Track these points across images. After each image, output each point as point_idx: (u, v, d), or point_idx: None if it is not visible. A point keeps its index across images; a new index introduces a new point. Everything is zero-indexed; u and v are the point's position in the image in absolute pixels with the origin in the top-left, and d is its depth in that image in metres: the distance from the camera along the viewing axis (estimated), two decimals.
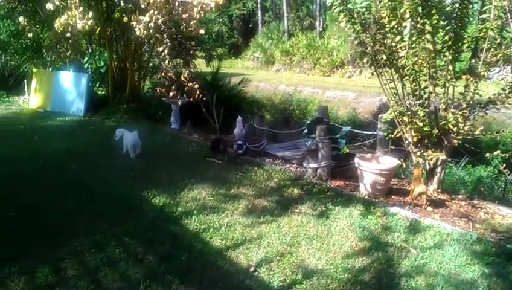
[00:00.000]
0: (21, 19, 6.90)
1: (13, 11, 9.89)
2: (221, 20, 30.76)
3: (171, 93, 8.96)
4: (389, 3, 5.11)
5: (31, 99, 12.82)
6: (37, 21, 10.36)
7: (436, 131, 5.25)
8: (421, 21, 4.97)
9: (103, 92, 12.79)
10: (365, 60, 6.06)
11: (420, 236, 4.28)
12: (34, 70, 12.80)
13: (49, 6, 6.56)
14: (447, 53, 5.16)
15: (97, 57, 12.84)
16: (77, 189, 5.53)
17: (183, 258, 3.76)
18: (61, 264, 3.67)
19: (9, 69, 13.41)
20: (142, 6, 6.76)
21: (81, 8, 6.53)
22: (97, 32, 11.10)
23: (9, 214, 4.70)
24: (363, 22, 5.60)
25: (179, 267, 3.62)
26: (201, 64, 15.02)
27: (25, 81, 13.29)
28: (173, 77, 8.80)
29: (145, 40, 9.70)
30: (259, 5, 34.18)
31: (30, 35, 6.87)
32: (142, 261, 3.73)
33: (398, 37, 5.20)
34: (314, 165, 6.19)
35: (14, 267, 3.57)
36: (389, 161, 5.68)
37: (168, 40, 7.54)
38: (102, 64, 12.80)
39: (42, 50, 11.73)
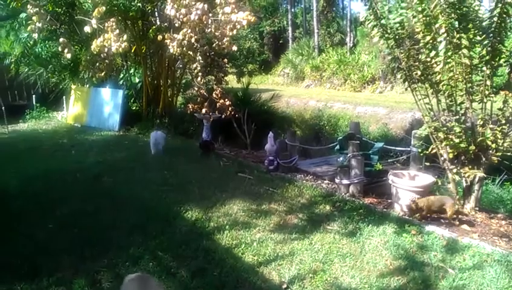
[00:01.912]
0: (61, 40, 7.20)
1: (54, 32, 10.35)
2: (252, 36, 31.14)
3: (203, 110, 9.10)
4: (424, 18, 5.06)
5: (69, 115, 13.30)
6: (76, 42, 10.81)
7: (473, 147, 5.11)
8: (457, 36, 4.89)
9: (137, 108, 13.13)
10: (399, 76, 6.00)
11: (458, 256, 4.13)
12: (73, 86, 13.31)
13: (87, 29, 6.83)
14: (484, 68, 5.06)
15: (132, 73, 13.23)
16: (112, 202, 5.65)
17: (215, 274, 3.77)
18: (96, 276, 3.76)
19: (49, 86, 14.03)
20: (176, 24, 6.94)
21: (117, 31, 6.76)
22: (133, 50, 11.46)
23: (48, 226, 4.86)
24: (397, 37, 5.58)
25: (211, 282, 3.63)
26: (232, 80, 15.21)
27: (64, 97, 13.84)
28: (205, 93, 8.95)
29: (179, 57, 9.93)
30: (289, 22, 34.52)
31: (69, 56, 7.14)
32: (175, 276, 3.76)
33: (433, 52, 5.13)
34: (347, 182, 6.12)
35: (52, 279, 3.68)
36: (424, 178, 5.54)
37: (200, 58, 7.69)
38: (137, 80, 13.18)
39: (80, 68, 12.20)
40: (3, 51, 13.36)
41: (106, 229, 4.74)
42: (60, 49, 7.63)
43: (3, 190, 6.06)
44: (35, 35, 7.28)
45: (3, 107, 11.86)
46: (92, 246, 4.29)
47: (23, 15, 8.90)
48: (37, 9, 6.65)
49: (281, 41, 36.13)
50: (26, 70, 13.04)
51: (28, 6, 6.75)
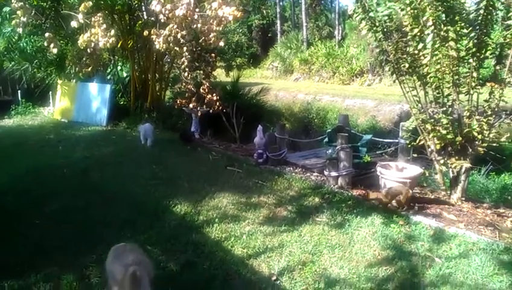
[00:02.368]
0: (47, 34, 7.08)
1: (40, 27, 10.18)
2: (240, 30, 31.01)
3: (191, 105, 9.06)
4: (412, 11, 5.09)
5: (56, 110, 13.13)
6: (62, 37, 10.65)
7: (460, 138, 5.18)
8: (444, 28, 4.93)
9: (125, 102, 13.02)
10: (387, 68, 6.05)
11: (445, 245, 4.19)
12: (59, 82, 13.13)
13: (74, 24, 6.73)
14: (470, 60, 5.11)
15: (120, 68, 13.09)
16: (101, 197, 5.61)
17: (205, 267, 3.78)
18: (85, 271, 3.73)
19: (35, 81, 13.81)
20: (162, 20, 6.86)
21: (104, 26, 6.67)
22: (119, 45, 11.34)
23: (36, 222, 4.81)
24: (385, 30, 5.61)
25: (201, 275, 3.64)
26: (221, 74, 15.18)
27: (50, 92, 13.65)
28: (193, 89, 8.90)
29: (166, 52, 9.86)
30: (278, 15, 34.41)
31: (55, 50, 7.03)
32: (164, 270, 3.75)
33: (421, 45, 5.18)
34: (335, 174, 6.16)
35: (39, 275, 3.65)
36: (412, 169, 5.60)
37: (187, 53, 7.62)
38: (125, 75, 13.05)
39: (66, 63, 12.03)
40: None
41: (95, 224, 4.71)
42: (45, 44, 7.51)
43: None
44: (20, 30, 7.13)
45: None
46: (80, 241, 4.26)
47: (6, 9, 8.73)
48: (22, 3, 6.53)
49: (269, 35, 36.04)
50: (10, 65, 12.80)
51: (12, 0, 6.62)
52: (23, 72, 13.30)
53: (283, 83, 24.80)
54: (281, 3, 36.56)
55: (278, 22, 34.35)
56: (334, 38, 29.18)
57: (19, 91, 14.32)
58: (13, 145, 9.06)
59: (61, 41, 10.40)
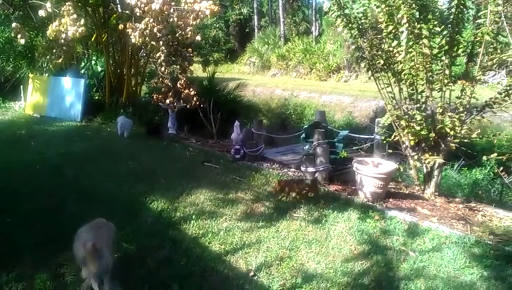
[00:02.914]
0: (14, 25, 6.85)
1: (7, 17, 9.86)
2: (217, 25, 30.82)
3: (167, 100, 8.97)
4: (386, 8, 5.16)
5: (27, 105, 12.78)
6: (31, 27, 10.33)
7: (433, 134, 5.29)
8: (418, 26, 5.01)
9: (100, 97, 12.79)
10: (363, 65, 6.10)
11: (419, 239, 4.29)
12: (31, 75, 12.77)
13: (42, 13, 6.53)
14: (443, 57, 5.22)
15: (94, 62, 12.83)
16: (75, 194, 5.50)
17: (182, 263, 3.76)
18: (59, 270, 3.65)
19: (4, 75, 13.39)
20: (138, 14, 6.75)
21: (74, 16, 6.50)
22: (93, 38, 11.11)
23: (7, 220, 4.67)
24: (360, 27, 5.66)
25: (178, 272, 3.61)
26: (197, 70, 15.02)
27: (21, 86, 13.26)
28: (169, 84, 8.81)
29: (142, 46, 9.71)
30: (255, 10, 34.32)
31: (22, 41, 6.80)
32: (141, 267, 3.71)
33: (395, 42, 5.25)
34: (312, 170, 6.20)
35: (11, 274, 3.55)
36: (387, 165, 5.69)
37: (164, 48, 7.53)
38: (100, 69, 12.81)
39: (36, 56, 11.71)
40: None
41: (69, 222, 4.56)
42: (13, 34, 7.28)
43: None
44: None
45: None
46: (54, 240, 4.14)
47: None
48: None
49: (246, 30, 35.92)
50: None
51: None
52: None
53: (260, 79, 24.79)
54: None
55: (255, 17, 34.26)
56: (311, 34, 29.33)
57: None
58: None
59: (30, 32, 10.09)
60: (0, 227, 4.50)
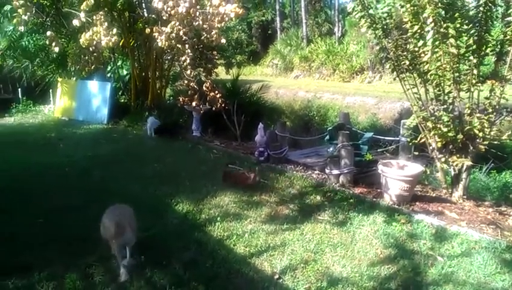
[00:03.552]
0: (49, 33, 7.06)
1: (41, 25, 10.19)
2: (240, 27, 30.96)
3: (193, 103, 9.07)
4: (411, 8, 5.08)
5: (56, 108, 13.14)
6: (63, 35, 10.66)
7: (461, 136, 5.18)
8: (444, 25, 4.91)
9: (125, 100, 13.03)
10: (387, 66, 6.04)
11: (447, 244, 4.20)
12: (59, 80, 13.13)
13: (76, 22, 6.71)
14: (471, 57, 5.10)
15: (120, 66, 13.08)
16: (103, 195, 5.60)
17: (207, 265, 3.79)
18: (88, 270, 3.73)
19: (35, 80, 13.83)
20: (164, 17, 6.85)
21: (106, 24, 6.64)
22: (121, 43, 11.35)
23: (39, 220, 4.81)
24: (385, 27, 5.59)
25: (203, 274, 3.65)
26: (220, 72, 15.13)
27: (51, 90, 13.65)
28: (195, 86, 8.90)
29: (167, 50, 9.86)
30: (277, 12, 34.33)
31: (57, 49, 7.00)
32: (167, 268, 3.76)
33: (421, 42, 5.17)
34: (337, 172, 6.16)
35: (43, 274, 3.65)
36: (413, 168, 5.60)
37: (189, 50, 7.62)
38: (125, 73, 13.05)
39: (67, 61, 12.04)
40: None
41: (97, 223, 4.70)
42: (47, 42, 7.50)
43: None
44: (21, 28, 7.12)
45: None
46: (83, 240, 4.25)
47: (7, 7, 8.73)
48: (23, 1, 6.50)
49: (269, 32, 35.97)
50: (11, 63, 12.81)
51: None
52: (23, 70, 13.33)
53: (283, 81, 24.76)
54: (280, 0, 36.49)
55: (278, 18, 34.27)
56: (334, 35, 29.11)
57: (19, 89, 14.33)
58: (14, 143, 9.09)
59: (63, 40, 10.40)
60: (32, 227, 4.65)
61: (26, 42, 11.58)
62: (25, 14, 6.62)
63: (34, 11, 7.22)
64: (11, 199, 5.55)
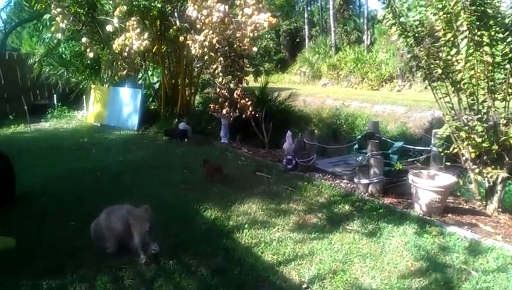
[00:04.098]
0: (84, 40, 7.32)
1: (77, 32, 10.53)
2: (269, 36, 31.11)
3: (224, 110, 9.16)
4: (444, 15, 5.00)
5: (89, 114, 13.52)
6: (98, 41, 10.98)
7: (496, 147, 5.03)
8: (479, 33, 4.81)
9: (155, 107, 13.27)
10: (419, 74, 5.98)
11: (481, 258, 4.07)
12: (92, 86, 13.52)
13: (109, 28, 6.92)
14: (507, 65, 4.96)
15: (150, 73, 13.35)
16: (133, 200, 5.67)
17: (235, 272, 3.79)
18: (118, 273, 3.80)
19: (70, 86, 14.30)
20: (198, 26, 6.98)
21: (138, 30, 6.82)
22: (154, 49, 11.59)
23: (71, 223, 4.95)
24: (417, 35, 5.51)
25: (232, 281, 3.65)
26: (249, 79, 15.23)
27: (84, 96, 14.07)
28: (226, 94, 9.00)
29: (198, 57, 10.03)
30: (306, 20, 34.36)
31: (91, 55, 7.25)
32: (195, 274, 3.79)
33: (454, 50, 5.08)
34: (366, 181, 6.09)
35: (75, 275, 3.75)
36: (445, 178, 5.47)
37: (221, 58, 7.72)
38: (156, 80, 13.30)
39: (101, 68, 12.39)
40: (26, 52, 13.65)
41: None
42: (82, 48, 7.76)
43: (27, 188, 6.18)
44: (59, 35, 7.40)
45: (26, 107, 12.14)
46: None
47: (46, 16, 9.08)
48: (61, 9, 6.76)
49: (297, 40, 36.00)
50: (47, 70, 13.28)
51: (52, 7, 6.88)
52: (59, 77, 13.80)
53: (311, 88, 24.69)
54: (309, 8, 36.54)
55: (306, 27, 34.30)
56: (363, 43, 28.89)
57: (55, 95, 14.84)
58: (49, 148, 9.38)
59: (97, 46, 10.72)
60: (64, 230, 4.78)
61: (63, 49, 11.97)
62: (62, 22, 6.89)
63: (71, 19, 7.50)
64: (45, 203, 5.74)
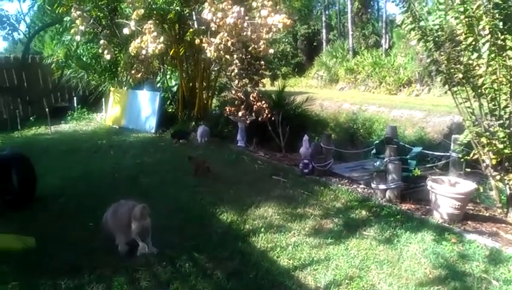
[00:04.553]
0: (102, 42, 7.42)
1: (95, 35, 10.69)
2: (286, 40, 31.11)
3: (240, 113, 9.18)
4: (466, 19, 4.92)
5: (108, 116, 13.71)
6: (115, 44, 11.12)
7: None
8: (502, 37, 4.72)
9: (173, 110, 13.38)
10: (439, 79, 5.87)
11: (502, 267, 3.97)
12: (111, 89, 13.72)
13: (126, 31, 7.00)
14: None
15: (169, 76, 13.47)
16: (149, 202, 5.72)
17: (251, 276, 3.79)
18: (135, 275, 3.84)
19: (89, 89, 14.54)
20: (213, 28, 7.01)
21: (155, 33, 6.88)
22: (171, 53, 11.69)
23: (89, 224, 5.02)
24: (436, 39, 5.44)
25: (247, 285, 3.65)
26: (266, 83, 15.27)
27: (103, 99, 14.29)
28: (242, 96, 9.01)
29: (215, 61, 10.07)
30: (323, 24, 34.27)
31: (108, 57, 7.33)
32: (211, 277, 3.80)
33: (475, 54, 4.99)
34: (383, 187, 6.02)
35: (93, 275, 3.80)
36: (465, 185, 5.37)
37: (237, 61, 7.73)
38: (174, 83, 13.42)
39: (118, 71, 12.56)
40: (48, 55, 13.94)
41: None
42: (100, 50, 7.87)
43: (46, 189, 6.29)
44: (78, 38, 7.52)
45: (47, 109, 12.38)
46: (130, 245, 4.39)
47: (67, 19, 9.25)
48: (80, 12, 6.87)
49: (314, 44, 35.93)
50: (68, 73, 13.53)
51: (72, 10, 7.00)
52: (79, 80, 14.06)
53: (328, 92, 24.58)
54: (326, 12, 36.43)
55: (324, 30, 34.21)
56: (381, 47, 28.66)
57: (75, 98, 15.11)
58: (69, 150, 9.55)
59: (115, 48, 10.87)
60: (82, 230, 4.87)
61: (82, 51, 12.17)
62: (82, 25, 6.99)
63: (91, 22, 7.61)
64: (64, 204, 5.84)
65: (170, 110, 13.50)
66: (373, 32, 31.59)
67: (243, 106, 9.13)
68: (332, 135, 9.40)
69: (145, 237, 4.25)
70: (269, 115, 8.81)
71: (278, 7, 6.62)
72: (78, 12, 6.88)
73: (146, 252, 4.19)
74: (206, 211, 5.51)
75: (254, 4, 6.85)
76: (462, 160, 5.76)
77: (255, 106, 8.97)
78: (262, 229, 4.83)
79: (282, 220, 5.17)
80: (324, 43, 33.30)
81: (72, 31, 7.31)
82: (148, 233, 4.27)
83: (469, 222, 5.17)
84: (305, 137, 7.42)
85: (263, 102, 8.71)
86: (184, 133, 10.47)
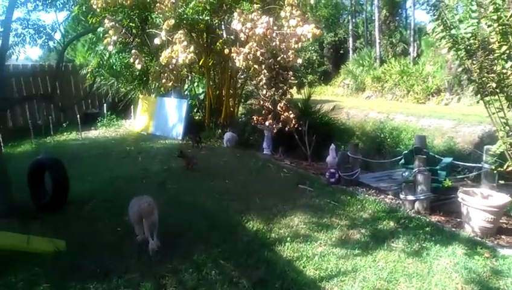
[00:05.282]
0: (133, 51, 7.61)
1: (127, 45, 10.95)
2: (312, 48, 31.04)
3: (267, 122, 9.21)
4: (500, 27, 4.82)
5: (136, 123, 13.96)
6: (146, 53, 11.36)
7: None
8: None
9: (200, 118, 13.51)
10: (471, 88, 5.74)
11: None
12: (140, 96, 13.99)
13: (157, 41, 7.15)
14: None
15: (196, 84, 13.64)
16: (176, 208, 5.83)
17: (277, 286, 3.77)
18: (162, 281, 3.88)
19: (119, 96, 14.87)
20: (242, 38, 7.09)
21: (185, 43, 6.99)
22: (201, 62, 11.83)
23: (117, 229, 5.11)
24: (468, 47, 5.33)
25: None
26: (292, 91, 15.26)
27: (132, 106, 14.57)
28: (270, 106, 9.05)
29: (244, 69, 10.15)
30: (350, 32, 34.06)
31: (139, 66, 7.50)
32: (237, 285, 3.80)
33: (510, 63, 4.86)
34: (412, 198, 5.90)
35: (121, 280, 3.87)
36: (498, 197, 5.21)
37: (265, 71, 7.78)
38: (201, 90, 13.57)
39: (148, 79, 12.79)
40: (80, 63, 14.33)
41: (171, 235, 4.89)
42: (131, 60, 8.05)
43: (77, 193, 6.44)
44: (111, 48, 7.72)
45: (78, 115, 12.71)
46: (156, 251, 4.44)
47: (100, 29, 9.52)
48: (113, 23, 7.06)
49: (341, 52, 35.67)
50: (99, 80, 13.87)
51: (105, 20, 7.20)
52: (109, 87, 14.39)
53: (354, 101, 24.35)
54: (353, 20, 36.19)
55: (350, 39, 33.95)
56: (409, 55, 28.17)
57: (105, 104, 15.46)
58: (98, 155, 9.76)
59: (145, 58, 11.08)
60: (110, 235, 4.96)
61: (114, 60, 12.47)
62: (114, 35, 7.19)
63: (123, 32, 7.81)
64: (94, 209, 5.97)
65: (197, 117, 13.65)
66: (401, 40, 31.13)
67: (270, 116, 9.15)
68: (359, 144, 9.30)
69: (153, 231, 4.44)
70: (296, 125, 8.80)
71: (306, 16, 6.62)
72: (111, 23, 7.08)
73: (155, 249, 4.34)
74: (232, 218, 5.52)
75: (282, 14, 6.89)
76: (495, 171, 5.60)
77: (282, 116, 8.98)
78: (288, 239, 4.80)
79: (309, 230, 5.13)
80: (351, 51, 33.04)
81: (105, 41, 7.52)
82: (155, 227, 4.48)
83: (503, 237, 5.02)
84: (332, 146, 7.38)
85: (290, 112, 8.72)
86: (195, 136, 10.80)
